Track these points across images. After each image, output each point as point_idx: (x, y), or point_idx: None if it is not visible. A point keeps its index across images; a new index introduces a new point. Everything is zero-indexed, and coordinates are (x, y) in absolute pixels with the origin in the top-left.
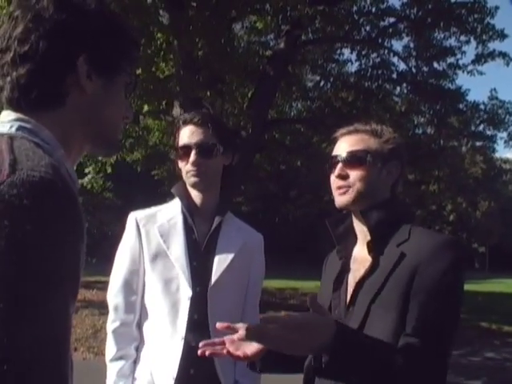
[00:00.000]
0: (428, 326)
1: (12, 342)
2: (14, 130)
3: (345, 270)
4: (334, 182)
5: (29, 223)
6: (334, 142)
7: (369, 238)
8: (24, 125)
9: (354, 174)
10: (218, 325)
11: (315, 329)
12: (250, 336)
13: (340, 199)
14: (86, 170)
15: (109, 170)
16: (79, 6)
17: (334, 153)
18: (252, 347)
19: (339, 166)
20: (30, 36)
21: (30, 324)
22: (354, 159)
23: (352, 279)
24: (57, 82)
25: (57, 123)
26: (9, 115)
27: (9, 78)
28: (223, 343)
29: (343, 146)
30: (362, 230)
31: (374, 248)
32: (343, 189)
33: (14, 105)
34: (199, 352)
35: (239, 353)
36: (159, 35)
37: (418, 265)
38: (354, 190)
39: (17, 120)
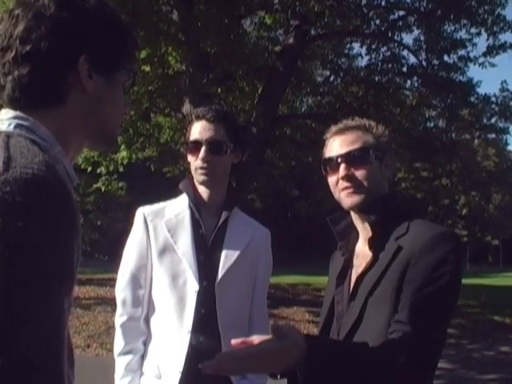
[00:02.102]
0: (419, 313)
1: (9, 339)
2: (11, 127)
3: (347, 266)
4: (339, 183)
5: (21, 220)
6: (323, 144)
7: (370, 233)
8: (22, 122)
9: (360, 173)
10: (233, 341)
11: (276, 355)
12: (206, 370)
13: (350, 200)
14: (98, 170)
15: (121, 169)
16: (80, 3)
17: (330, 154)
18: None
19: (343, 166)
20: (31, 35)
21: (25, 320)
22: (357, 158)
23: (354, 275)
24: (58, 81)
25: (57, 121)
26: (7, 113)
27: (10, 77)
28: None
29: (341, 146)
30: (362, 227)
31: (375, 243)
32: (351, 189)
33: (15, 103)
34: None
35: None
36: (169, 32)
37: (412, 254)
38: (363, 189)
39: (15, 118)
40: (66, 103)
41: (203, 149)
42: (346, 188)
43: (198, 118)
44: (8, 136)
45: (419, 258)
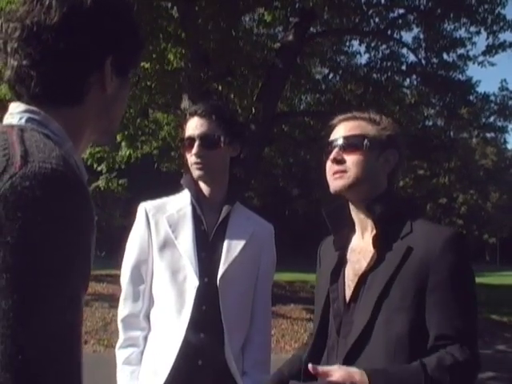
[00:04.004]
0: (460, 325)
1: (26, 336)
2: (23, 121)
3: (342, 261)
4: (330, 167)
5: (41, 215)
6: (331, 129)
7: (371, 229)
8: (33, 116)
9: (350, 159)
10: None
11: None
12: None
13: (335, 183)
14: (99, 168)
15: (122, 166)
16: (114, 3)
17: (331, 138)
18: None
19: (335, 150)
20: (65, 30)
21: (43, 317)
22: (350, 144)
23: (351, 271)
24: (81, 81)
25: (72, 119)
26: (18, 107)
27: (34, 72)
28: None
29: (340, 132)
30: (361, 221)
31: (380, 241)
32: (339, 173)
33: (33, 98)
34: None
35: None
36: (168, 28)
37: (429, 261)
38: (350, 174)
39: (26, 111)
40: (83, 102)
41: (196, 144)
42: (335, 172)
43: (191, 114)
44: (21, 130)
45: (440, 265)
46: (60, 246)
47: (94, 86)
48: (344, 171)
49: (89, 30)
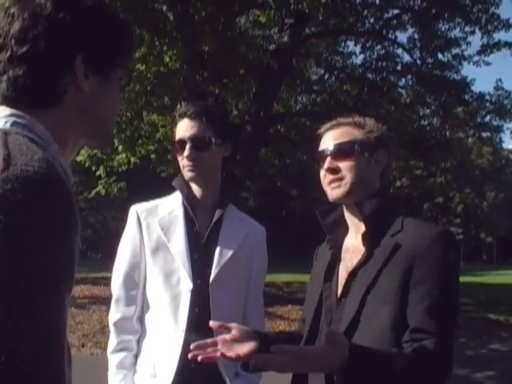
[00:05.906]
0: (438, 320)
1: (11, 339)
2: (8, 125)
3: (335, 260)
4: (325, 176)
5: (23, 218)
6: (318, 139)
7: (363, 229)
8: (18, 120)
9: (344, 166)
10: (212, 323)
11: (324, 359)
12: (257, 364)
13: (333, 193)
14: (97, 173)
15: (119, 170)
16: (77, 3)
17: (321, 148)
18: (244, 348)
19: (328, 159)
20: (27, 35)
21: (28, 319)
22: (341, 151)
23: (344, 269)
24: (54, 82)
25: (53, 120)
26: (3, 111)
27: (5, 77)
28: (215, 344)
29: (329, 140)
30: (354, 221)
31: (369, 239)
32: (336, 182)
33: (10, 103)
34: (189, 355)
35: (231, 354)
36: (163, 30)
37: (415, 256)
38: (346, 182)
39: (11, 115)
40: (62, 104)
41: (187, 146)
42: (331, 181)
43: (181, 116)
44: (5, 133)
45: (424, 259)
46: (43, 249)
47: (70, 86)
48: (340, 179)
49: (50, 33)
